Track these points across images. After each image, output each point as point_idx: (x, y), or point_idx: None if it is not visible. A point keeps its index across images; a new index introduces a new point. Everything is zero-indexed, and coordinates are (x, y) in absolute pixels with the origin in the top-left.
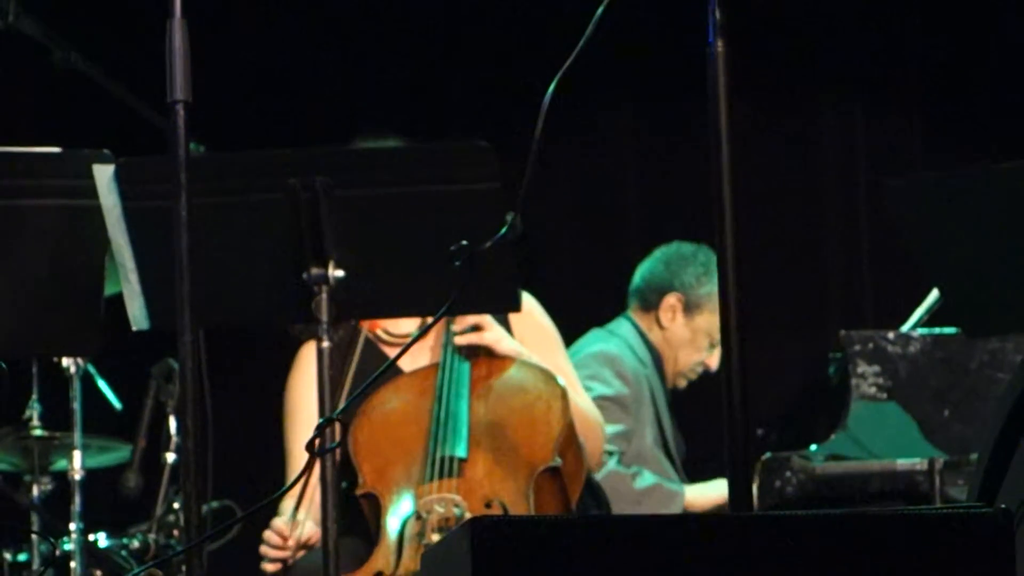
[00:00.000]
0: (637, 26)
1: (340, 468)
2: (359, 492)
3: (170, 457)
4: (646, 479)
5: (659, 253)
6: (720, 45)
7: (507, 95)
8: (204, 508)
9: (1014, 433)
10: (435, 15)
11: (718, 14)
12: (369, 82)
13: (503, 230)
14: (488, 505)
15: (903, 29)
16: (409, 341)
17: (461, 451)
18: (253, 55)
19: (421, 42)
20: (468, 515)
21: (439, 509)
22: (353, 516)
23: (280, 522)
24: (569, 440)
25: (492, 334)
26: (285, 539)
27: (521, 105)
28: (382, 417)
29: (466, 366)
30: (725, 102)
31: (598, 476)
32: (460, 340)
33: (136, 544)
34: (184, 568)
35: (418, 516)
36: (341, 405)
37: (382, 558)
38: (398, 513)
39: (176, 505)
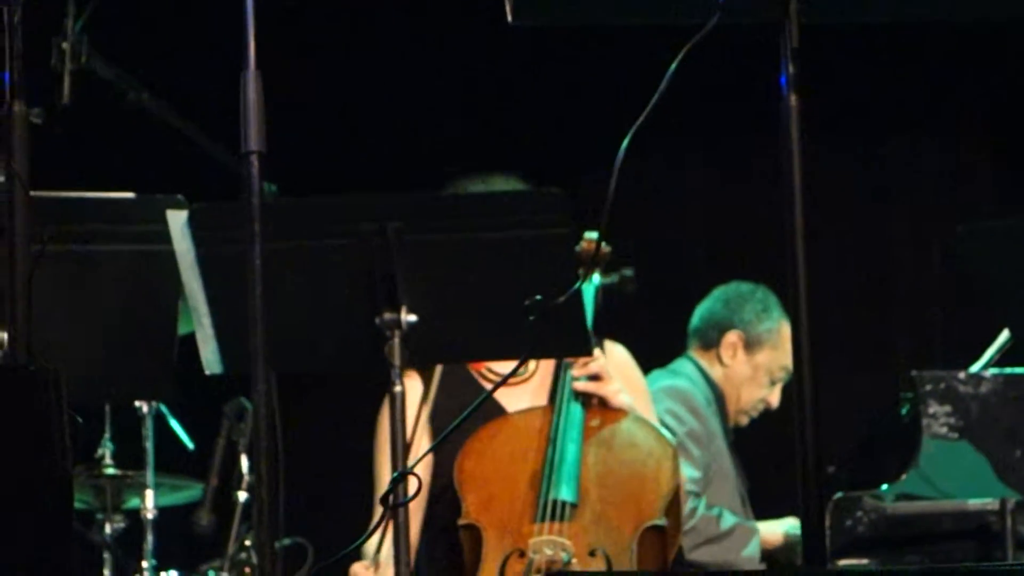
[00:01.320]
0: (706, 70)
1: (437, 496)
2: (461, 522)
3: (242, 496)
4: (728, 520)
5: (718, 292)
6: (793, 99)
7: (578, 140)
8: (276, 545)
9: None
10: (509, 63)
11: (791, 67)
12: (444, 126)
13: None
14: (592, 554)
15: (973, 68)
16: (493, 387)
17: (573, 496)
18: (327, 98)
19: (494, 89)
20: (575, 561)
21: (547, 552)
22: (445, 547)
23: (360, 567)
24: (675, 501)
25: (611, 386)
26: None
27: (590, 149)
28: (492, 451)
29: (581, 412)
30: (799, 155)
31: (692, 522)
32: (578, 386)
33: None
34: None
35: (522, 554)
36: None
37: None
38: (501, 548)
39: (248, 543)
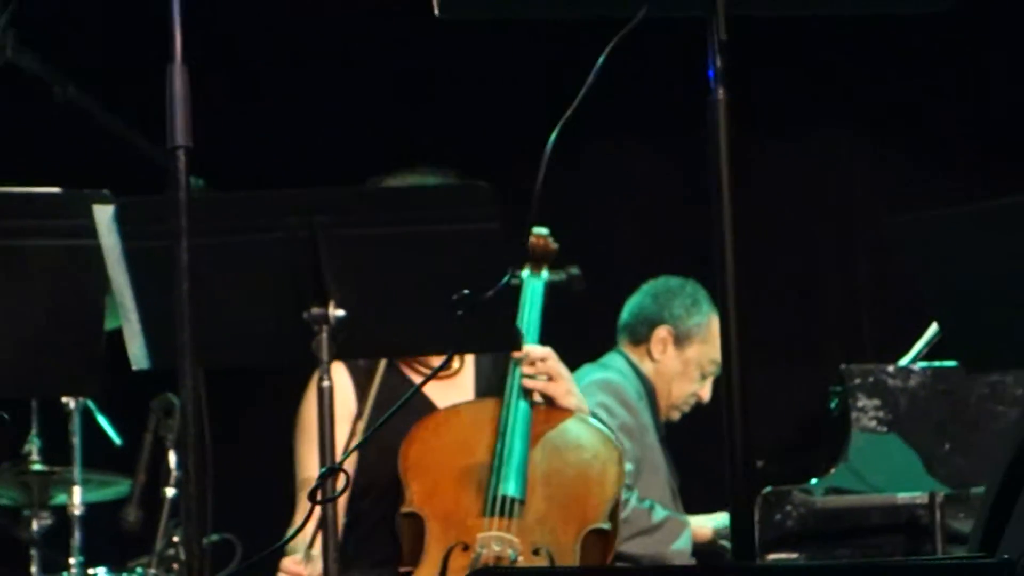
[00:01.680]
0: (634, 64)
1: (363, 490)
2: (404, 510)
3: (170, 491)
4: (659, 513)
5: (647, 287)
6: (721, 92)
7: (506, 134)
8: (204, 541)
9: (1016, 482)
10: (437, 57)
11: (719, 61)
12: (375, 120)
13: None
14: (536, 552)
15: (902, 65)
16: (420, 383)
17: (519, 492)
18: (254, 93)
19: (425, 82)
20: (520, 559)
21: (495, 547)
22: (378, 541)
23: (291, 561)
24: (617, 505)
25: (560, 386)
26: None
27: (519, 144)
28: (439, 441)
29: (528, 409)
30: (726, 149)
31: (623, 514)
32: (528, 384)
33: None
34: None
35: (466, 547)
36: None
37: None
38: (445, 539)
39: (176, 539)
